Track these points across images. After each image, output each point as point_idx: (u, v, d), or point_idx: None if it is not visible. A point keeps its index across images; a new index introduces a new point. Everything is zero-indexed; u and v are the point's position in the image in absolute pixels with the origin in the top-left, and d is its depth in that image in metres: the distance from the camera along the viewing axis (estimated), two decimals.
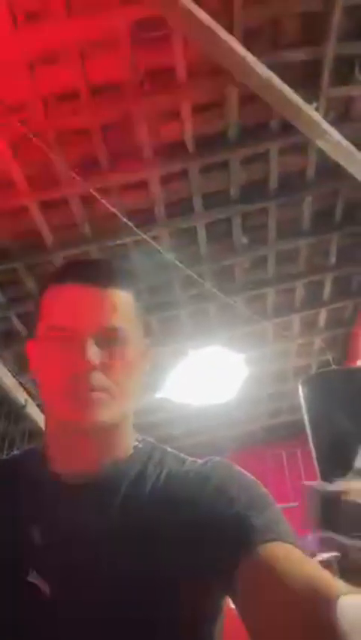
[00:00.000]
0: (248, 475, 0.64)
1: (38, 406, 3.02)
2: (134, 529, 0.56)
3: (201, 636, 0.58)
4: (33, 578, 0.53)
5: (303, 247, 2.77)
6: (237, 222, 2.48)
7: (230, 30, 1.65)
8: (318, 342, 3.59)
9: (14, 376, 2.88)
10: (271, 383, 3.93)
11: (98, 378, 0.56)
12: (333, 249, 2.85)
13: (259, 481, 0.64)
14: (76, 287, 0.59)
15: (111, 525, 0.56)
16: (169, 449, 0.67)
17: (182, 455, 0.66)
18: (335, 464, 1.62)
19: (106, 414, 0.57)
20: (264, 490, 0.62)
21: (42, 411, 0.59)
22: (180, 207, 2.34)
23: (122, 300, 0.61)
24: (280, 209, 2.52)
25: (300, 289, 3.05)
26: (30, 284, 2.52)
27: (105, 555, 0.55)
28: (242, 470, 0.64)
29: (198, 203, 2.33)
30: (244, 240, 2.59)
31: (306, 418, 1.72)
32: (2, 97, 1.76)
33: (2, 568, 0.54)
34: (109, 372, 0.57)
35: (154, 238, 2.31)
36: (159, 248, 2.30)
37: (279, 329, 3.24)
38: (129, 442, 0.64)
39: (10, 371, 2.85)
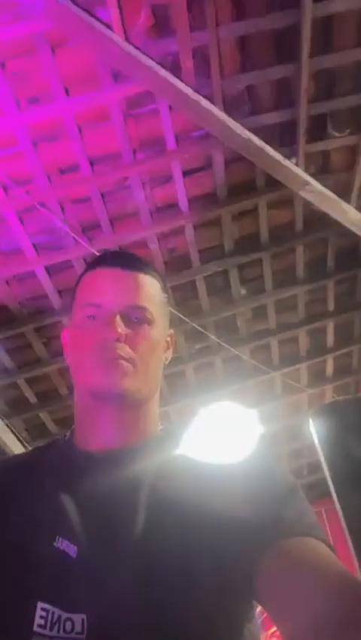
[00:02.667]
0: (280, 465, 0.65)
1: None
2: (160, 505, 0.57)
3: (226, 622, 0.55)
4: (60, 544, 0.55)
5: (301, 295, 2.86)
6: (234, 274, 2.59)
7: (211, 99, 1.86)
8: (329, 392, 3.56)
9: (24, 444, 2.85)
10: (288, 440, 3.83)
11: (123, 348, 0.61)
12: (330, 296, 2.93)
13: (290, 474, 0.64)
14: (107, 270, 0.66)
15: (138, 499, 0.57)
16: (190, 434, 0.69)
17: None
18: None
19: (130, 383, 0.61)
20: (295, 483, 0.62)
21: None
22: (178, 263, 2.46)
23: (150, 284, 0.67)
24: (274, 260, 2.64)
25: (303, 337, 3.09)
26: (39, 348, 2.58)
27: (133, 526, 0.55)
28: (275, 460, 0.65)
29: (195, 257, 2.46)
30: (243, 291, 2.68)
31: (320, 452, 1.69)
32: (10, 172, 1.94)
33: (32, 538, 0.56)
34: (134, 346, 0.62)
35: None
36: None
37: (288, 380, 3.24)
38: (155, 426, 0.67)
39: (19, 439, 2.82)
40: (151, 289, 0.67)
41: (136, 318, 0.64)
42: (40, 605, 0.52)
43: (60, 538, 0.55)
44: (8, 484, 0.63)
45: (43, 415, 2.92)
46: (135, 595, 0.51)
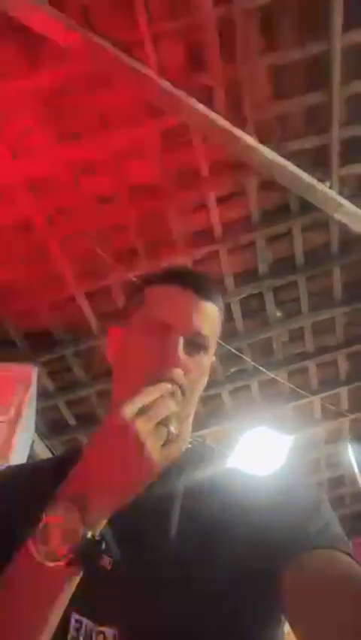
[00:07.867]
0: (306, 478, 0.66)
1: None
2: (189, 520, 0.58)
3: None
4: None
5: (339, 317, 2.82)
6: (269, 297, 2.59)
7: (243, 128, 1.91)
8: None
9: None
10: (328, 468, 3.72)
11: (179, 374, 0.60)
12: None
13: (316, 487, 0.65)
14: (180, 290, 0.66)
15: (168, 515, 0.59)
16: (222, 449, 0.70)
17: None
18: None
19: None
20: (319, 496, 0.62)
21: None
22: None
23: (214, 314, 0.67)
24: (310, 282, 2.62)
25: (343, 361, 3.03)
26: (79, 371, 2.65)
27: (165, 541, 0.57)
28: (300, 475, 0.66)
29: (229, 281, 2.48)
30: (278, 314, 2.67)
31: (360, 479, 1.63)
32: (54, 203, 2.05)
33: None
34: (187, 372, 0.61)
35: None
36: None
37: (327, 405, 3.16)
38: (184, 443, 0.68)
39: None
40: (215, 320, 0.68)
41: (196, 345, 0.64)
42: (74, 615, 0.53)
43: None
44: (41, 486, 0.61)
45: (82, 437, 2.96)
46: (167, 614, 0.52)
